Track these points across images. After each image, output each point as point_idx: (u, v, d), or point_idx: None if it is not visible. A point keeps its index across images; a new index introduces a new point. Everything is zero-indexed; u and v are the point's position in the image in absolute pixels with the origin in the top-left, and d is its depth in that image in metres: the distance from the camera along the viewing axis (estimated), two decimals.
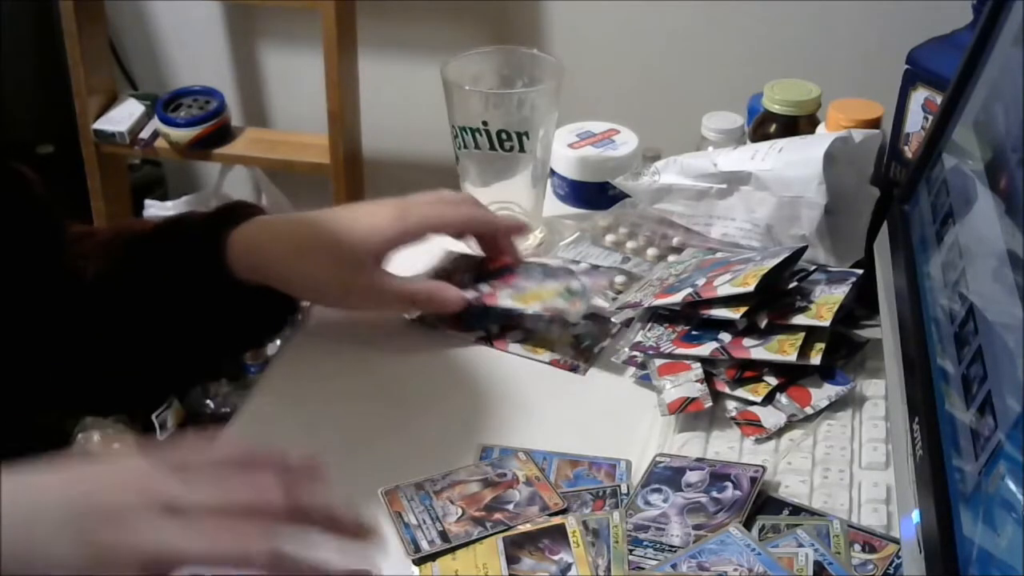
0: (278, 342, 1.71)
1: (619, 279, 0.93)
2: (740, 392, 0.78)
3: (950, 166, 0.74)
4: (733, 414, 0.77)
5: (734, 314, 0.79)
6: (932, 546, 0.56)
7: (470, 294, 0.85)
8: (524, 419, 0.79)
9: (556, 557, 0.65)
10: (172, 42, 2.22)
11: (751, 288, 0.79)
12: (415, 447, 0.76)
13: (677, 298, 0.82)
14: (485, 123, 0.92)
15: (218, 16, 2.16)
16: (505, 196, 0.98)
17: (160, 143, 1.98)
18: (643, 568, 0.64)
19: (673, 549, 0.65)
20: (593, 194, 1.04)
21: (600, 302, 0.87)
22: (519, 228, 0.90)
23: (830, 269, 0.86)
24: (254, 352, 1.76)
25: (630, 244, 0.97)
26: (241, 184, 2.13)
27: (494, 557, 0.65)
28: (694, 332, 0.82)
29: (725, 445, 0.75)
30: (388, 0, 2.00)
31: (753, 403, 0.77)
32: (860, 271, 0.84)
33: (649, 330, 0.84)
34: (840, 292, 0.81)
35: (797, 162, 0.87)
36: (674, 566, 0.63)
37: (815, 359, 0.77)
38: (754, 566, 0.62)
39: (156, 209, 1.99)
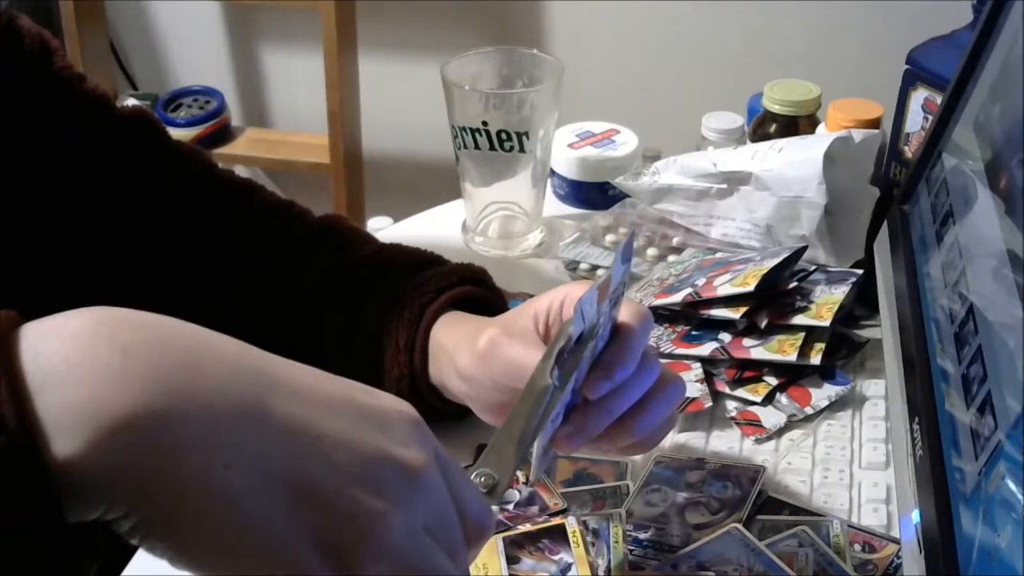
0: None
1: None
2: (740, 392, 0.78)
3: (950, 166, 0.74)
4: (733, 414, 0.77)
5: (734, 314, 0.79)
6: (932, 546, 0.56)
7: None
8: None
9: (556, 557, 0.65)
10: (172, 42, 2.22)
11: (751, 288, 0.79)
12: None
13: (677, 298, 0.82)
14: (485, 123, 0.92)
15: (218, 16, 2.16)
16: (505, 196, 0.98)
17: None
18: (643, 568, 0.64)
19: (673, 549, 0.65)
20: (593, 194, 1.04)
21: None
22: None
23: (830, 269, 0.86)
24: None
25: None
26: None
27: (494, 557, 0.65)
28: (694, 332, 0.82)
29: (725, 445, 0.75)
30: (388, 0, 2.00)
31: (753, 403, 0.77)
32: (860, 271, 0.84)
33: None
34: (840, 292, 0.81)
35: (797, 162, 0.87)
36: (674, 566, 0.63)
37: (815, 359, 0.77)
38: (754, 566, 0.62)
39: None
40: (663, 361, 0.80)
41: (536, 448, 0.57)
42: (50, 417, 0.34)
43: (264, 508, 0.37)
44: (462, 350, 0.66)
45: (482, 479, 0.52)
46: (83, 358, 0.36)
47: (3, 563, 0.33)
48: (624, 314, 0.60)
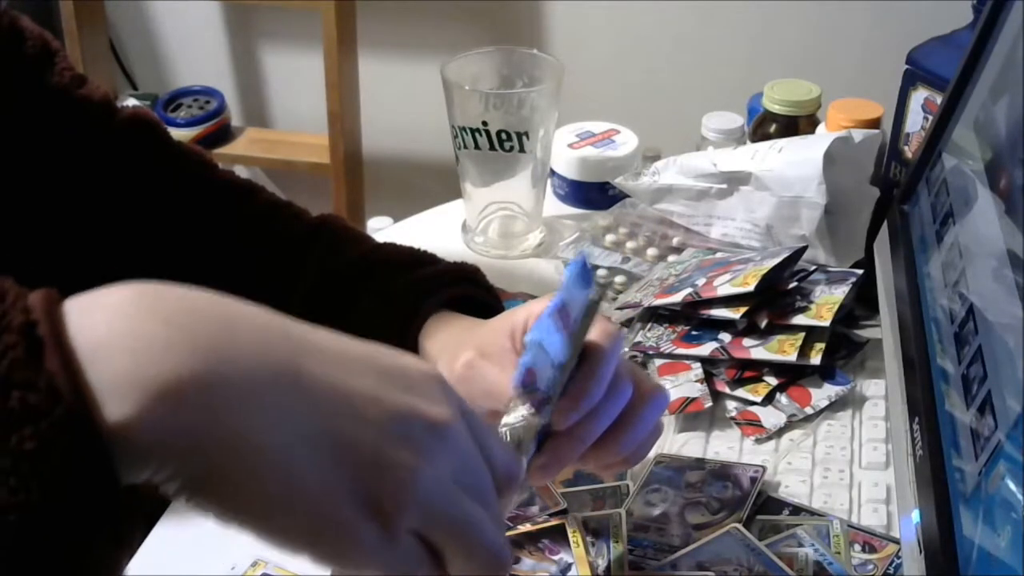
0: None
1: (619, 279, 0.93)
2: (740, 392, 0.78)
3: (950, 166, 0.74)
4: (733, 414, 0.77)
5: (734, 314, 0.79)
6: (932, 546, 0.56)
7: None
8: None
9: (556, 557, 0.65)
10: (172, 42, 2.22)
11: (751, 288, 0.79)
12: None
13: (677, 298, 0.82)
14: (485, 123, 0.92)
15: (218, 16, 2.16)
16: (505, 196, 0.98)
17: None
18: (643, 568, 0.64)
19: (673, 549, 0.65)
20: (593, 194, 1.04)
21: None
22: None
23: (830, 269, 0.86)
24: None
25: (630, 244, 0.97)
26: None
27: None
28: (694, 332, 0.82)
29: (725, 445, 0.75)
30: (388, 0, 2.00)
31: (753, 403, 0.77)
32: (860, 271, 0.84)
33: (649, 330, 0.84)
34: (840, 292, 0.81)
35: (797, 162, 0.87)
36: (674, 566, 0.63)
37: (815, 359, 0.77)
38: (754, 566, 0.62)
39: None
40: (662, 361, 0.80)
41: None
42: (100, 386, 0.36)
43: (305, 465, 0.39)
44: (441, 366, 0.66)
45: (508, 436, 0.53)
46: (127, 329, 0.37)
47: (59, 526, 0.35)
48: (592, 335, 0.58)
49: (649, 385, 0.62)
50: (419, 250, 0.78)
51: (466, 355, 0.64)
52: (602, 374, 0.58)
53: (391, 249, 0.78)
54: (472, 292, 0.74)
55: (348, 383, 0.41)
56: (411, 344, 0.70)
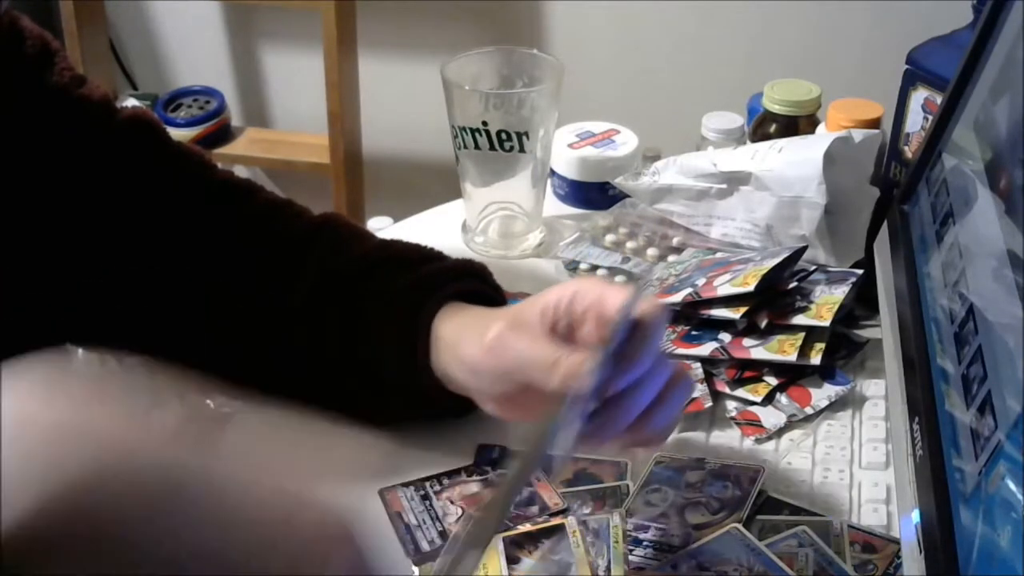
0: None
1: (619, 279, 0.93)
2: (740, 392, 0.78)
3: (950, 166, 0.74)
4: (733, 414, 0.77)
5: (734, 314, 0.79)
6: (932, 546, 0.56)
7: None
8: None
9: (556, 557, 0.65)
10: (172, 42, 2.22)
11: (751, 288, 0.79)
12: (414, 447, 0.76)
13: (677, 298, 0.82)
14: (485, 123, 0.92)
15: (218, 16, 2.16)
16: (505, 196, 0.98)
17: None
18: (643, 568, 0.64)
19: (673, 549, 0.65)
20: (593, 194, 1.04)
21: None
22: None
23: (830, 269, 0.86)
24: None
25: (630, 244, 0.97)
26: None
27: (494, 557, 0.65)
28: (694, 332, 0.82)
29: (725, 445, 0.75)
30: (388, 0, 2.00)
31: (753, 403, 0.77)
32: (860, 271, 0.84)
33: None
34: (840, 292, 0.81)
35: (797, 162, 0.87)
36: (674, 566, 0.63)
37: (815, 359, 0.77)
38: (754, 566, 0.62)
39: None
40: None
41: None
42: None
43: None
44: (467, 342, 0.67)
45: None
46: (17, 435, 0.38)
47: None
48: (640, 308, 0.61)
49: (680, 368, 0.65)
50: (426, 247, 0.78)
51: (496, 327, 0.65)
52: (651, 343, 0.60)
53: (400, 245, 0.78)
54: (479, 288, 0.74)
55: (226, 551, 0.42)
56: (423, 333, 0.70)
